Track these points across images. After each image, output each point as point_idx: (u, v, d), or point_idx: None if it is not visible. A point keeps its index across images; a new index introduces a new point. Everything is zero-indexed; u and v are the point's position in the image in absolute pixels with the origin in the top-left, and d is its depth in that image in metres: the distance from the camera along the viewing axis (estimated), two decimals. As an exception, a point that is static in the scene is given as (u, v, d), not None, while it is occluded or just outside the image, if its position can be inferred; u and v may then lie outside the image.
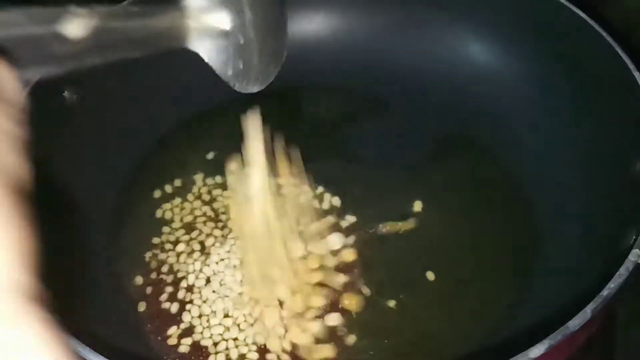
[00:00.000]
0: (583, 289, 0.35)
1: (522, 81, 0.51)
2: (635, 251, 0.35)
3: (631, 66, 0.43)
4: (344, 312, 0.43)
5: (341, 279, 0.44)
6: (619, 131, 0.44)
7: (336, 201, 0.48)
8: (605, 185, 0.43)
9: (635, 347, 0.45)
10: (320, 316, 0.43)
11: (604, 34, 0.45)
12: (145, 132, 0.53)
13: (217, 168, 0.51)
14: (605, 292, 0.33)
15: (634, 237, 0.36)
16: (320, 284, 0.44)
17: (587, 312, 0.32)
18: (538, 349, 0.31)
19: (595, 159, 0.45)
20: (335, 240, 0.46)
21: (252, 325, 0.43)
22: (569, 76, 0.48)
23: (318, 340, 0.42)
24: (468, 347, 0.41)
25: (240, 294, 0.44)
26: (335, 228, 0.47)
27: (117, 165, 0.51)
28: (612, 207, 0.42)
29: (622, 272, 0.34)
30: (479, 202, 0.48)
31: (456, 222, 0.47)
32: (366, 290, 0.44)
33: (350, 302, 0.43)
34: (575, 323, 0.32)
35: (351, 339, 0.42)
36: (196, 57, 0.55)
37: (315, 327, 0.42)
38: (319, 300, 0.43)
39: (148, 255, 0.47)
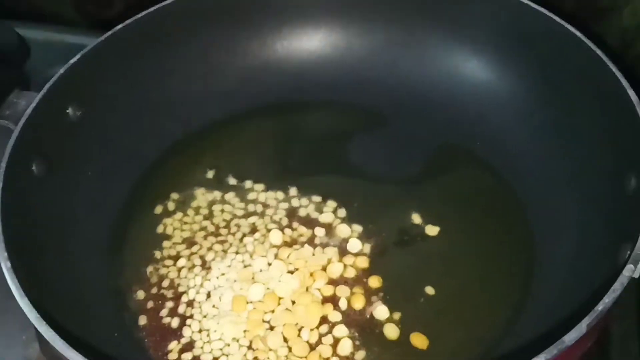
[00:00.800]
0: (579, 303, 0.35)
1: (518, 96, 0.52)
2: (629, 266, 0.35)
3: (625, 84, 0.43)
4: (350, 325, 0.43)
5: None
6: (614, 147, 0.44)
7: (342, 212, 0.49)
8: (601, 201, 0.44)
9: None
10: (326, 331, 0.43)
11: (599, 51, 0.45)
12: (146, 148, 0.53)
13: (217, 183, 0.52)
14: (600, 307, 0.33)
15: (628, 252, 0.36)
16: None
17: (582, 327, 0.32)
18: (534, 364, 0.31)
19: (591, 174, 0.45)
20: (355, 244, 0.47)
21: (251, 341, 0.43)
22: (564, 92, 0.49)
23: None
24: (469, 354, 0.41)
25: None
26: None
27: (118, 181, 0.51)
28: (608, 222, 0.42)
29: (617, 287, 0.34)
30: (477, 216, 0.48)
31: (454, 236, 0.47)
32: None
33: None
34: (571, 337, 0.32)
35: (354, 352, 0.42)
36: (197, 73, 0.56)
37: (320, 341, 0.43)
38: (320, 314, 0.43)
39: (149, 270, 0.47)
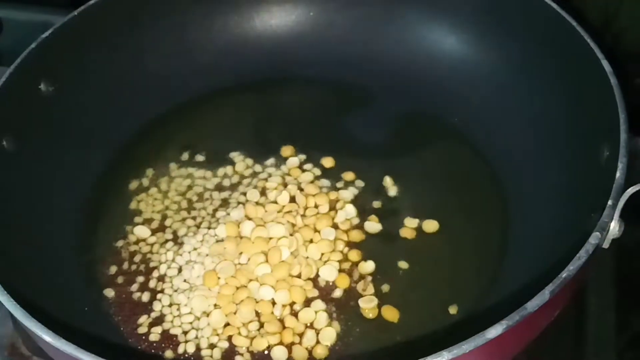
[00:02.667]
0: (545, 271, 0.35)
1: (496, 71, 0.51)
2: (595, 234, 0.35)
3: (600, 55, 0.42)
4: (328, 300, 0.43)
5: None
6: (589, 120, 0.44)
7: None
8: (575, 172, 0.43)
9: (606, 337, 0.45)
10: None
11: (574, 23, 0.45)
12: (121, 125, 0.53)
13: (192, 159, 0.51)
14: (564, 274, 0.33)
15: (596, 221, 0.36)
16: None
17: (545, 294, 0.32)
18: (496, 330, 0.31)
19: (566, 146, 0.45)
20: (351, 211, 0.47)
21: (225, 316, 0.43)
22: (541, 67, 0.48)
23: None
24: (439, 330, 0.41)
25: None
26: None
27: (92, 157, 0.51)
28: (580, 194, 0.41)
29: (582, 255, 0.34)
30: (452, 188, 0.48)
31: (429, 210, 0.47)
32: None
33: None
34: (533, 304, 0.32)
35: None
36: (173, 49, 0.56)
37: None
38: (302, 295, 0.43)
39: (121, 245, 0.47)
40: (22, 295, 0.36)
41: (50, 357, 0.41)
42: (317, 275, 0.44)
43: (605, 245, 0.36)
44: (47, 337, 0.33)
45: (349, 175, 0.49)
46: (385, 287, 0.44)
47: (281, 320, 0.42)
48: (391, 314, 0.42)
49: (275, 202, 0.48)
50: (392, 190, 0.48)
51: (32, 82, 0.48)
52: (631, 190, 0.36)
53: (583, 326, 0.45)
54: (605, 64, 0.42)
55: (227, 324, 0.42)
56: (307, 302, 0.43)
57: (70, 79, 0.50)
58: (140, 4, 0.53)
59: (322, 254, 0.45)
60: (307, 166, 0.50)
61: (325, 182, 0.49)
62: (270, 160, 0.51)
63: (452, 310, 0.42)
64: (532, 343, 0.37)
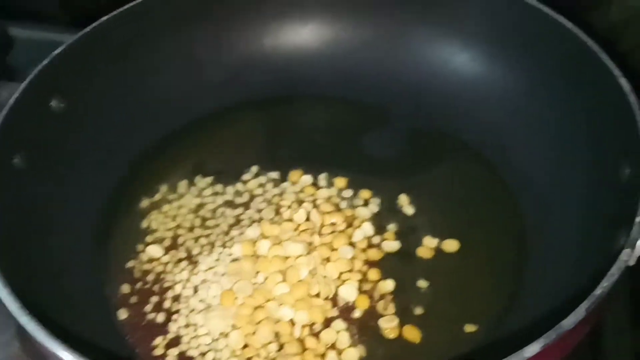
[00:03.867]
0: (576, 289, 0.34)
1: (509, 87, 0.51)
2: (626, 251, 0.34)
3: (617, 72, 0.43)
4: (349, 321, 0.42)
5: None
6: (607, 137, 0.44)
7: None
8: (595, 189, 0.43)
9: (623, 355, 0.44)
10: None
11: (589, 41, 0.45)
12: (132, 142, 0.52)
13: (203, 177, 0.51)
14: (598, 291, 0.33)
15: (624, 238, 0.35)
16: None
17: (581, 310, 0.32)
18: (533, 348, 0.31)
19: (584, 164, 0.45)
20: (368, 229, 0.46)
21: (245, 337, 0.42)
22: (555, 83, 0.48)
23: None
24: (463, 349, 0.40)
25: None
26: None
27: (104, 174, 0.50)
28: (601, 212, 0.41)
29: (614, 272, 0.33)
30: (468, 207, 0.48)
31: (446, 229, 0.46)
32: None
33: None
34: (569, 322, 0.31)
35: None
36: (183, 68, 0.55)
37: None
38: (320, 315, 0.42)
39: (133, 264, 0.46)
40: (39, 316, 0.35)
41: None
42: (336, 295, 0.44)
43: (632, 262, 0.36)
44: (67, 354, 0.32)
45: (364, 194, 0.49)
46: (406, 307, 0.43)
47: (301, 341, 0.41)
48: (413, 333, 0.42)
49: (290, 220, 0.47)
50: (409, 209, 0.48)
51: (43, 98, 0.47)
52: (659, 206, 0.36)
53: (600, 347, 0.44)
54: (624, 82, 0.42)
55: (245, 345, 0.41)
56: (327, 323, 0.42)
57: (82, 96, 0.49)
58: (151, 22, 0.53)
59: (341, 273, 0.44)
60: (321, 184, 0.50)
61: (341, 201, 0.49)
62: (282, 178, 0.50)
63: (473, 328, 0.41)
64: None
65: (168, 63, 0.54)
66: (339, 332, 0.42)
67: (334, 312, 0.43)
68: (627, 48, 0.54)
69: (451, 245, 0.46)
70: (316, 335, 0.42)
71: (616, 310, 0.46)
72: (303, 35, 0.57)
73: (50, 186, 0.46)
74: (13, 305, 0.35)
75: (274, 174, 0.51)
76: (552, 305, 0.38)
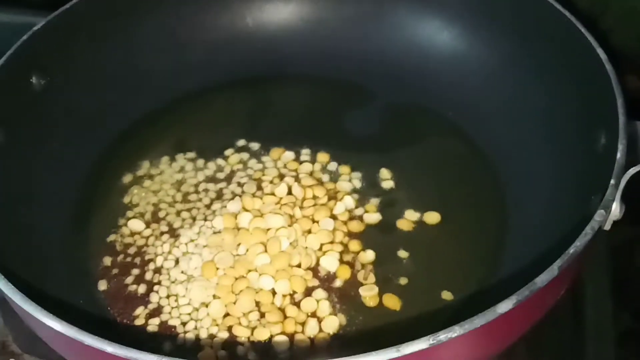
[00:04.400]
0: (551, 249, 0.35)
1: (489, 63, 0.52)
2: (600, 212, 0.35)
3: (594, 43, 0.43)
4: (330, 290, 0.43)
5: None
6: (585, 107, 0.44)
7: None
8: (571, 159, 0.44)
9: (604, 323, 0.45)
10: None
11: (567, 13, 0.45)
12: (114, 119, 0.52)
13: (185, 153, 0.51)
14: (572, 250, 0.33)
15: (599, 202, 0.36)
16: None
17: (554, 269, 0.32)
18: (506, 305, 0.31)
19: (562, 134, 0.45)
20: (349, 202, 0.47)
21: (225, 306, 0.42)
22: (535, 57, 0.49)
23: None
24: (442, 317, 0.41)
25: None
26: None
27: (85, 150, 0.50)
28: (578, 179, 0.42)
29: (588, 231, 0.34)
30: (449, 179, 0.48)
31: (427, 199, 0.47)
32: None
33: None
34: (542, 279, 0.32)
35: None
36: (165, 46, 0.55)
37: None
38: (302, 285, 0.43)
39: (115, 238, 0.46)
40: (21, 286, 0.35)
41: (43, 353, 0.40)
42: (317, 266, 0.44)
43: (607, 226, 0.37)
44: (54, 322, 0.32)
45: (345, 169, 0.49)
46: (386, 276, 0.43)
47: (282, 310, 0.42)
48: (392, 301, 0.42)
49: (272, 194, 0.47)
50: (389, 182, 0.48)
51: (23, 75, 0.47)
52: (632, 170, 0.37)
53: (582, 313, 0.45)
54: (600, 52, 0.43)
55: (226, 314, 0.42)
56: (308, 292, 0.43)
57: (63, 72, 0.50)
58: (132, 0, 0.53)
59: (322, 244, 0.45)
60: (303, 159, 0.50)
61: (323, 175, 0.49)
62: (264, 154, 0.51)
63: (451, 297, 0.42)
64: (531, 330, 0.37)
65: (150, 41, 0.55)
66: (320, 301, 0.42)
67: (315, 282, 0.43)
68: (605, 28, 0.54)
69: (432, 218, 0.46)
70: (297, 304, 0.42)
71: (596, 281, 0.46)
72: (285, 14, 0.58)
73: (31, 162, 0.46)
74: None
75: (256, 149, 0.51)
76: (532, 273, 0.38)
